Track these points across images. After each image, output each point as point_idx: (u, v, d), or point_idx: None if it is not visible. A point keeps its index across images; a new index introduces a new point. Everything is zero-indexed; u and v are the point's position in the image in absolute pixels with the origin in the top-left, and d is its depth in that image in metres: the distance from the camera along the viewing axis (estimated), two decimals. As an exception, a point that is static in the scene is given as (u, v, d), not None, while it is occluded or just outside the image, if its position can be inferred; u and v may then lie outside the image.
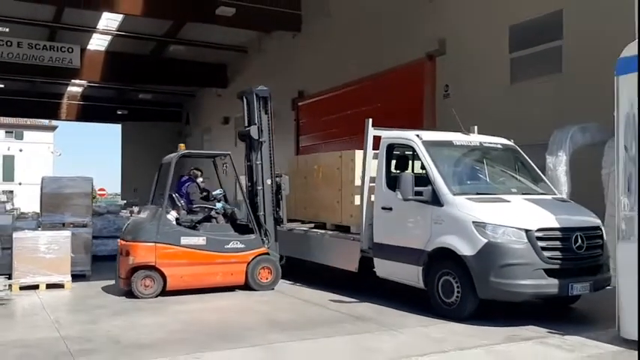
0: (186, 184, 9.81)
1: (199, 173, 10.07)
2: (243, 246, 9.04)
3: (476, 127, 9.29)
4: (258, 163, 9.44)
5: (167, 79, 26.63)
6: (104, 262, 11.61)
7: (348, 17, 17.94)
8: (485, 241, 6.60)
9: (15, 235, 9.36)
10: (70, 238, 9.48)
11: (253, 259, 9.05)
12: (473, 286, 6.70)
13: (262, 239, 9.23)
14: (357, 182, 8.69)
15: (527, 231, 6.55)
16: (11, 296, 8.48)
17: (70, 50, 22.41)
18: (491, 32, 13.54)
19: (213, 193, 9.78)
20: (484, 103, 13.50)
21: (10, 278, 8.89)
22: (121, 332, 6.49)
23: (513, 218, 6.69)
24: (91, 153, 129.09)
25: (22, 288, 8.99)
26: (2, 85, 28.26)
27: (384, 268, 8.11)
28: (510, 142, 8.50)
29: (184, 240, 8.72)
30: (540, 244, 6.53)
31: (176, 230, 8.83)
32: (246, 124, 9.64)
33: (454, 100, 14.62)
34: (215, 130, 29.64)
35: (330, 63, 18.74)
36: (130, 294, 8.54)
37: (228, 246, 8.95)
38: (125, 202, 30.94)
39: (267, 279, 9.12)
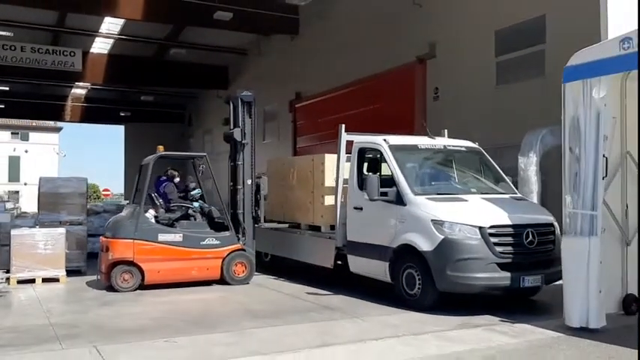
0: (164, 184, 10.24)
1: (176, 173, 10.50)
2: (218, 242, 9.53)
3: (446, 130, 9.83)
4: (239, 163, 9.95)
5: (169, 81, 27.18)
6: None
7: (343, 21, 18.47)
8: (442, 237, 7.12)
9: (13, 232, 9.94)
10: (65, 235, 10.05)
11: (228, 254, 9.54)
12: (432, 279, 7.23)
13: (237, 236, 9.72)
14: (327, 184, 9.23)
15: (480, 228, 7.07)
16: (9, 289, 9.09)
17: (72, 54, 22.98)
18: (478, 37, 14.05)
19: (192, 192, 10.25)
20: (471, 105, 14.00)
21: (8, 273, 9.48)
22: (106, 320, 7.08)
23: (468, 216, 7.21)
24: (96, 154, 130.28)
25: (19, 282, 9.58)
26: (7, 88, 28.91)
27: (357, 264, 8.64)
28: (475, 145, 9.02)
29: (161, 237, 9.22)
30: (493, 239, 7.05)
31: (154, 227, 9.32)
32: (231, 127, 10.17)
33: (444, 102, 15.17)
34: (216, 131, 30.08)
35: (326, 66, 19.24)
36: (109, 288, 9.02)
37: (203, 242, 9.45)
38: (128, 202, 31.65)
39: (241, 274, 9.60)
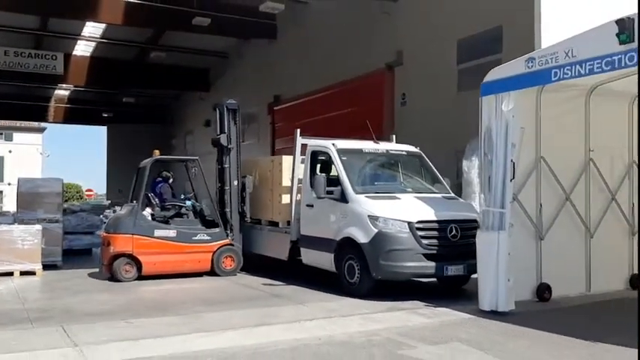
0: (159, 185, 11.28)
1: (170, 175, 11.58)
2: (209, 238, 10.51)
3: (394, 136, 10.74)
4: (226, 166, 10.85)
5: (151, 83, 27.76)
6: (79, 256, 13.08)
7: (317, 29, 19.12)
8: (377, 230, 8.03)
9: (-7, 228, 10.72)
10: (42, 232, 10.82)
11: (218, 249, 10.51)
12: (368, 268, 8.12)
13: (226, 232, 10.67)
14: (285, 183, 10.09)
15: (409, 223, 7.97)
16: (-12, 281, 9.87)
17: (54, 58, 23.63)
18: (441, 45, 14.79)
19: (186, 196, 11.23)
20: (434, 110, 14.79)
21: (-12, 266, 10.26)
22: (75, 305, 7.89)
23: (399, 212, 8.10)
24: (79, 154, 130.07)
25: (-2, 274, 10.36)
26: (-9, 90, 29.45)
27: (308, 256, 9.52)
28: (416, 150, 9.92)
29: (157, 232, 10.22)
30: (420, 233, 7.96)
31: (150, 224, 10.29)
32: (218, 133, 11.05)
33: (410, 107, 16.00)
34: (197, 132, 30.72)
35: (302, 70, 19.94)
36: (111, 279, 9.94)
37: (195, 238, 10.44)
38: (110, 202, 32.30)
39: (229, 266, 10.57)
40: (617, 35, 6.01)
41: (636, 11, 6.13)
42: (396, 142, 10.36)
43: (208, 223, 10.83)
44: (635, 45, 5.91)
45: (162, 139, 34.49)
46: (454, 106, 14.60)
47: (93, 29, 22.72)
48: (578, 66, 6.45)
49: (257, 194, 11.05)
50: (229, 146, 10.89)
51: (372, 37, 16.94)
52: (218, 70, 27.00)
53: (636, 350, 4.95)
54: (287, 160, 10.19)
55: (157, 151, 11.06)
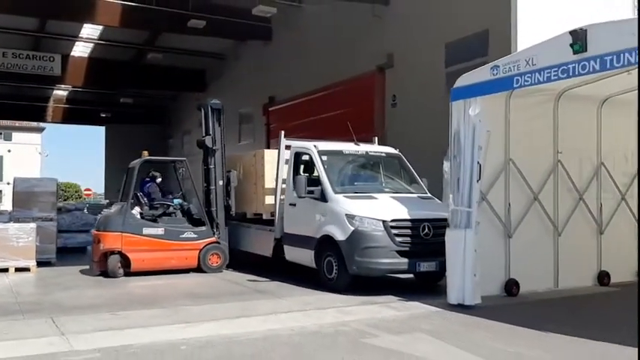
0: (148, 185, 11.64)
1: (158, 175, 11.91)
2: (195, 236, 10.94)
3: (376, 138, 11.15)
4: (211, 167, 11.29)
5: (148, 84, 28.07)
6: (73, 254, 13.52)
7: (311, 31, 19.46)
8: (353, 229, 8.44)
9: (-12, 226, 11.13)
10: (36, 230, 11.22)
11: (205, 246, 10.92)
12: (345, 264, 8.52)
13: (213, 231, 11.07)
14: (267, 176, 10.57)
15: (383, 221, 8.38)
16: (-16, 277, 10.28)
17: (52, 59, 24.01)
18: (430, 48, 15.11)
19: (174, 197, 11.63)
20: (424, 112, 15.10)
21: (-16, 262, 10.67)
22: (66, 300, 8.30)
23: (375, 211, 8.51)
24: (78, 154, 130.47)
25: (-6, 270, 10.76)
26: (-10, 90, 29.84)
27: (291, 253, 9.93)
28: (395, 151, 10.33)
29: (146, 230, 10.61)
30: (394, 231, 8.38)
31: (139, 222, 10.68)
32: (204, 134, 11.46)
33: (401, 109, 16.37)
34: (194, 132, 31.13)
35: (296, 72, 20.22)
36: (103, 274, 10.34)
37: (182, 235, 10.85)
38: (108, 201, 32.67)
39: (215, 263, 10.98)
40: (571, 45, 6.42)
41: (594, 21, 6.57)
42: (386, 143, 10.79)
43: (195, 222, 11.22)
44: (587, 54, 6.33)
45: (160, 139, 34.87)
46: (442, 107, 14.86)
47: (91, 31, 23.09)
48: (537, 74, 6.86)
49: (241, 188, 11.38)
50: (214, 147, 11.27)
51: (364, 39, 17.28)
52: (214, 71, 27.29)
53: (581, 340, 5.35)
54: (269, 153, 10.75)
55: (145, 152, 11.46)
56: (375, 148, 10.27)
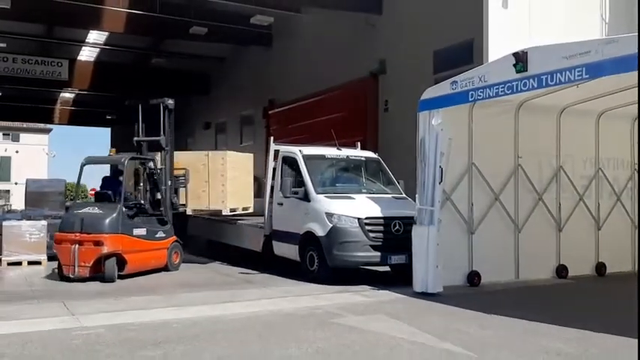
0: (115, 183, 11.48)
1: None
2: (164, 235, 11.04)
3: (359, 142, 12.11)
4: (162, 167, 11.14)
5: (152, 87, 28.74)
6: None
7: (308, 38, 20.30)
8: (332, 225, 9.44)
9: (4, 224, 12.16)
10: (47, 227, 12.22)
11: (170, 244, 11.15)
12: (325, 258, 9.50)
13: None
14: (229, 176, 11.53)
15: (358, 219, 9.36)
16: (0, 269, 11.32)
17: (60, 64, 24.97)
18: (419, 56, 15.83)
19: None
20: (414, 116, 15.97)
21: (0, 256, 11.68)
22: (75, 288, 9.30)
23: (351, 210, 9.51)
24: (84, 155, 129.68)
25: (9, 264, 11.78)
26: (0, 93, 30.91)
27: (279, 248, 10.91)
28: (375, 155, 11.31)
29: (135, 231, 10.44)
30: (367, 227, 9.37)
31: (130, 223, 10.40)
32: (137, 134, 11.47)
33: (392, 113, 17.18)
34: (197, 134, 32.05)
35: (295, 77, 21.05)
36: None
37: (157, 235, 10.90)
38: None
39: (177, 260, 11.33)
40: (514, 65, 7.37)
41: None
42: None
43: (160, 221, 11.14)
44: (527, 74, 7.28)
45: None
46: (430, 112, 15.87)
47: (97, 36, 24.06)
48: (488, 89, 7.81)
49: (192, 186, 11.68)
50: (167, 148, 11.23)
51: (358, 46, 18.06)
52: (216, 75, 28.09)
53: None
54: (230, 154, 11.81)
55: (113, 150, 11.62)
56: (355, 153, 11.25)
